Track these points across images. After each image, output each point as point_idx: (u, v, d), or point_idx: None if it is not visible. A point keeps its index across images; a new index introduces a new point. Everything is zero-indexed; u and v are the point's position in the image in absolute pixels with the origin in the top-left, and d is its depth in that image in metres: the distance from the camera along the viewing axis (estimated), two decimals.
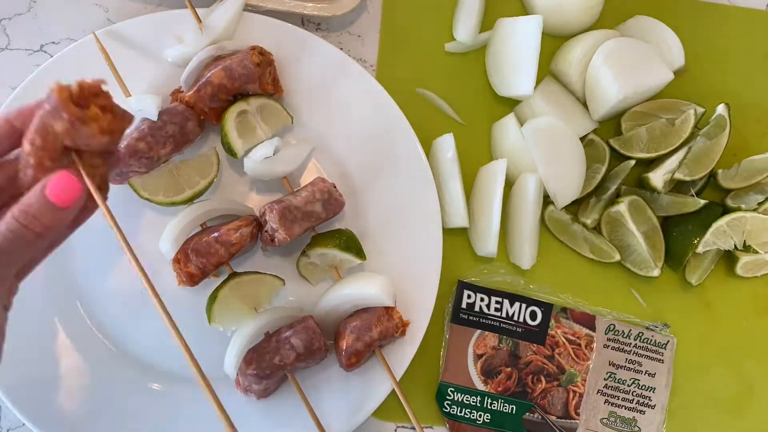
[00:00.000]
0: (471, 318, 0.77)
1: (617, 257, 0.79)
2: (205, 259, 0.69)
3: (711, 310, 0.82)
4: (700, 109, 0.81)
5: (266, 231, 0.71)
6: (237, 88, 0.72)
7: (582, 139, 0.81)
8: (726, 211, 0.81)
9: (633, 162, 0.80)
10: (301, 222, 0.70)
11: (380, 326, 0.69)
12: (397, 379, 0.71)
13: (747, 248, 0.80)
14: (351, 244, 0.72)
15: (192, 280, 0.70)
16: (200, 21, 0.75)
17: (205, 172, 0.74)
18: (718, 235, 0.79)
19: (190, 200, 0.73)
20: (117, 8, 0.82)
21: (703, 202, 0.79)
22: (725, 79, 0.87)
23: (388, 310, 0.70)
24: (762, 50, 0.89)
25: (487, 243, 0.77)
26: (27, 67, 0.78)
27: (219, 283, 0.71)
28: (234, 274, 0.71)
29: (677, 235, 0.80)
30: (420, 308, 0.73)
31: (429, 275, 0.74)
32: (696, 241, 0.78)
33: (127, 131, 0.72)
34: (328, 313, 0.72)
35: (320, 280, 0.76)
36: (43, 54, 0.81)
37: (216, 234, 0.69)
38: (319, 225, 0.73)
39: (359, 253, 0.72)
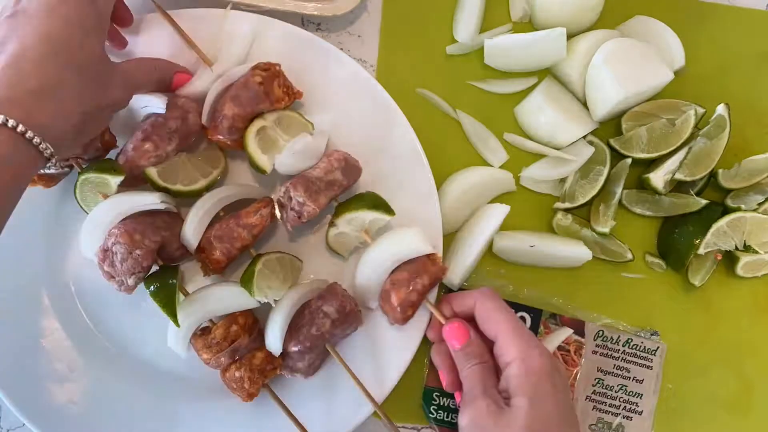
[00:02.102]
0: None
1: (629, 256, 0.80)
2: (230, 244, 0.69)
3: (711, 310, 0.82)
4: (701, 110, 0.81)
5: (292, 209, 0.71)
6: (251, 112, 0.72)
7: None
8: (726, 211, 0.81)
9: (630, 160, 0.80)
10: (325, 192, 0.71)
11: (427, 272, 0.70)
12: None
13: (747, 248, 0.80)
14: (378, 202, 0.72)
15: (219, 266, 0.70)
16: (210, 63, 0.75)
17: (215, 163, 0.74)
18: (719, 236, 0.79)
19: (206, 189, 0.73)
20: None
21: (704, 201, 0.79)
22: (725, 79, 0.87)
23: (430, 256, 0.71)
24: (762, 50, 0.88)
25: (456, 275, 0.76)
26: None
27: (247, 265, 0.71)
28: (260, 255, 0.71)
29: (678, 236, 0.80)
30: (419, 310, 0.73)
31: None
32: (697, 242, 0.78)
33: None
34: (371, 274, 0.72)
35: (351, 251, 0.75)
36: None
37: (236, 219, 0.70)
38: (341, 195, 0.74)
39: (388, 209, 0.72)
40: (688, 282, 0.81)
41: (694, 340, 0.81)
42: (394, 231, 0.73)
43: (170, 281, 0.68)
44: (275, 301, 0.69)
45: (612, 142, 0.81)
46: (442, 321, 0.70)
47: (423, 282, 0.70)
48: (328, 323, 0.68)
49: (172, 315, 0.66)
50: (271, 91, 0.72)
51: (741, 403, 0.81)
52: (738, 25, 0.89)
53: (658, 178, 0.79)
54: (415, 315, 0.72)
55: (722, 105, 0.81)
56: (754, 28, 0.89)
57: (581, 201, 0.80)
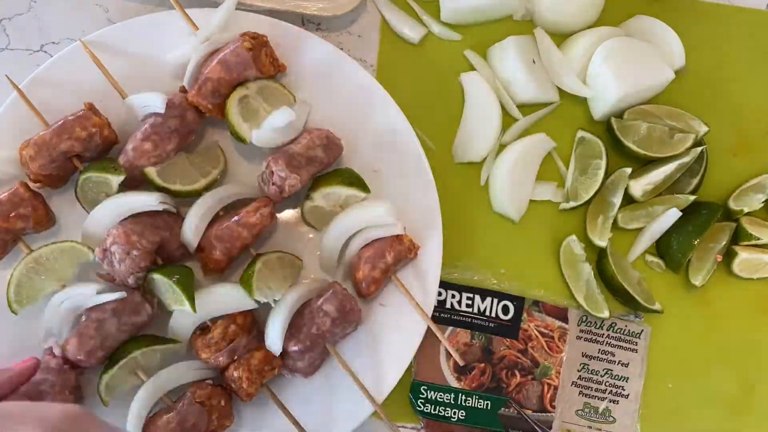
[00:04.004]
0: (443, 315, 0.77)
1: (605, 314, 0.78)
2: (230, 244, 0.70)
3: (712, 310, 0.82)
4: (704, 129, 0.81)
5: (274, 183, 0.71)
6: (236, 78, 0.72)
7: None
8: (728, 213, 0.82)
9: (629, 170, 0.80)
10: (306, 168, 0.71)
11: (393, 251, 0.71)
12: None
13: (748, 237, 0.80)
14: (354, 179, 0.73)
15: (219, 266, 0.70)
16: (196, 27, 0.75)
17: (215, 163, 0.74)
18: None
19: (206, 188, 0.73)
20: (117, 8, 0.82)
21: (692, 198, 0.79)
22: (725, 79, 0.87)
23: (398, 236, 0.72)
24: (762, 50, 0.88)
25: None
26: (27, 67, 0.78)
27: (247, 264, 0.71)
28: (260, 254, 0.71)
29: (676, 237, 0.80)
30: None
31: (430, 258, 0.75)
32: (696, 242, 0.78)
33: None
34: (334, 242, 0.73)
35: (326, 224, 0.75)
36: (43, 54, 0.81)
37: (236, 218, 0.70)
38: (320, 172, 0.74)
39: (363, 186, 0.73)
40: (689, 282, 0.81)
41: (695, 339, 0.81)
42: (364, 202, 0.73)
43: (185, 268, 0.69)
44: (275, 300, 0.70)
45: (612, 121, 0.80)
46: (409, 298, 0.71)
47: (387, 261, 0.71)
48: (328, 322, 0.69)
49: (191, 300, 0.66)
50: (258, 58, 0.72)
51: (741, 403, 0.81)
52: (738, 25, 0.89)
53: (638, 187, 0.79)
54: (418, 314, 0.72)
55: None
56: (754, 28, 0.89)
57: (585, 197, 0.80)
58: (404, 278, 0.74)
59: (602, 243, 0.79)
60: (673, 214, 0.78)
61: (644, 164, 0.82)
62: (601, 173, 0.80)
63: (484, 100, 0.82)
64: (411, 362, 0.76)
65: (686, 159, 0.80)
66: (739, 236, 0.81)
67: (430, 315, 0.73)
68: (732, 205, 0.82)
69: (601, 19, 0.85)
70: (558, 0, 0.82)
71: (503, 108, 0.83)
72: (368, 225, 0.72)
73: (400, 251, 0.72)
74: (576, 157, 0.82)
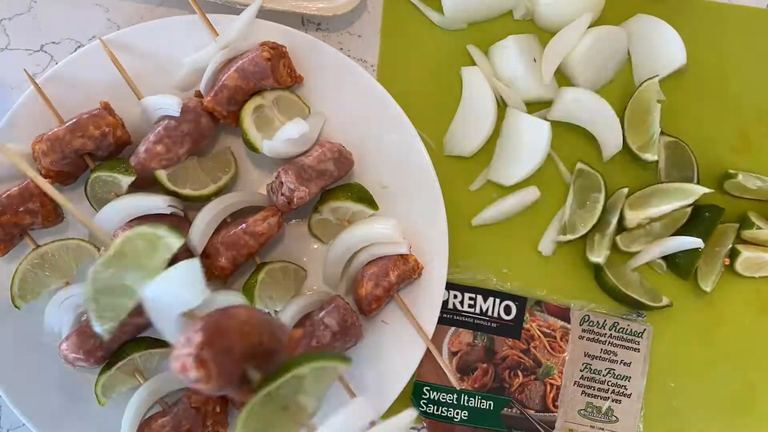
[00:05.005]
0: (444, 315, 0.77)
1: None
2: (236, 251, 0.70)
3: (713, 309, 0.82)
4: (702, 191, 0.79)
5: (283, 194, 0.71)
6: (252, 87, 0.72)
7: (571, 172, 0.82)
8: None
9: (626, 190, 0.80)
10: (316, 181, 0.71)
11: (397, 270, 0.71)
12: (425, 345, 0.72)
13: (750, 225, 0.80)
14: (363, 195, 0.73)
15: (224, 273, 0.70)
16: (216, 33, 0.75)
17: (226, 169, 0.75)
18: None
19: (215, 194, 0.73)
20: (117, 8, 0.82)
21: (690, 203, 0.79)
22: (725, 78, 0.87)
23: (404, 256, 0.72)
24: (762, 50, 0.88)
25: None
26: (27, 67, 0.78)
27: (250, 274, 0.71)
28: (264, 263, 0.71)
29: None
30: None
31: (434, 278, 0.74)
32: (701, 250, 0.78)
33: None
34: (340, 256, 0.72)
35: (332, 237, 0.75)
36: (43, 54, 0.81)
37: (243, 226, 0.70)
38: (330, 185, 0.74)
39: (371, 203, 0.73)
40: (691, 282, 0.81)
41: (697, 338, 0.81)
42: (371, 218, 0.73)
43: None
44: (276, 311, 0.69)
45: (618, 240, 0.80)
46: (411, 318, 0.71)
47: (390, 279, 0.70)
48: (328, 336, 0.68)
49: None
50: (276, 69, 0.72)
51: (743, 402, 0.81)
52: (738, 24, 0.89)
53: (634, 218, 0.79)
54: (419, 331, 0.72)
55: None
56: (754, 28, 0.89)
57: (582, 231, 0.79)
58: (408, 296, 0.74)
59: (599, 260, 0.78)
60: (691, 242, 0.78)
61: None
62: (600, 206, 0.79)
63: (482, 96, 0.81)
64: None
65: (688, 201, 0.79)
66: (742, 226, 0.81)
67: (431, 335, 0.73)
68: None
69: (602, 18, 0.85)
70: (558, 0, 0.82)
71: (504, 106, 0.83)
72: (374, 242, 0.72)
73: (404, 271, 0.71)
74: (575, 189, 0.81)
